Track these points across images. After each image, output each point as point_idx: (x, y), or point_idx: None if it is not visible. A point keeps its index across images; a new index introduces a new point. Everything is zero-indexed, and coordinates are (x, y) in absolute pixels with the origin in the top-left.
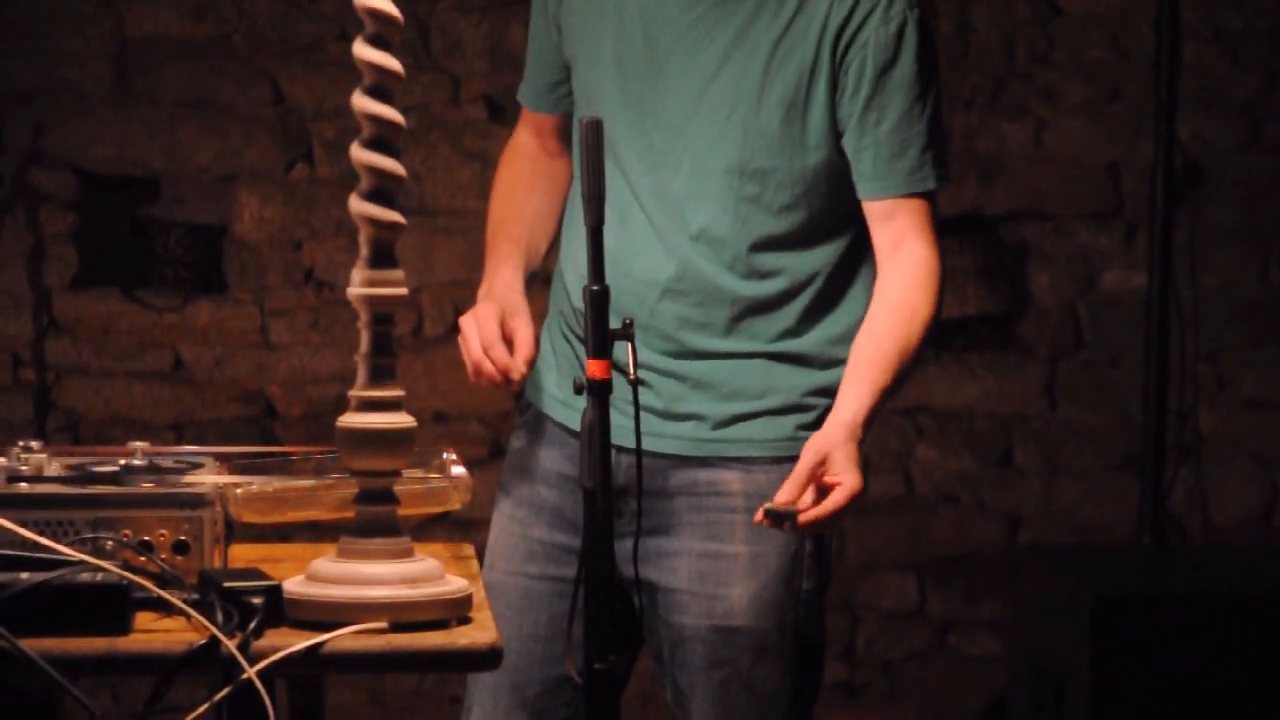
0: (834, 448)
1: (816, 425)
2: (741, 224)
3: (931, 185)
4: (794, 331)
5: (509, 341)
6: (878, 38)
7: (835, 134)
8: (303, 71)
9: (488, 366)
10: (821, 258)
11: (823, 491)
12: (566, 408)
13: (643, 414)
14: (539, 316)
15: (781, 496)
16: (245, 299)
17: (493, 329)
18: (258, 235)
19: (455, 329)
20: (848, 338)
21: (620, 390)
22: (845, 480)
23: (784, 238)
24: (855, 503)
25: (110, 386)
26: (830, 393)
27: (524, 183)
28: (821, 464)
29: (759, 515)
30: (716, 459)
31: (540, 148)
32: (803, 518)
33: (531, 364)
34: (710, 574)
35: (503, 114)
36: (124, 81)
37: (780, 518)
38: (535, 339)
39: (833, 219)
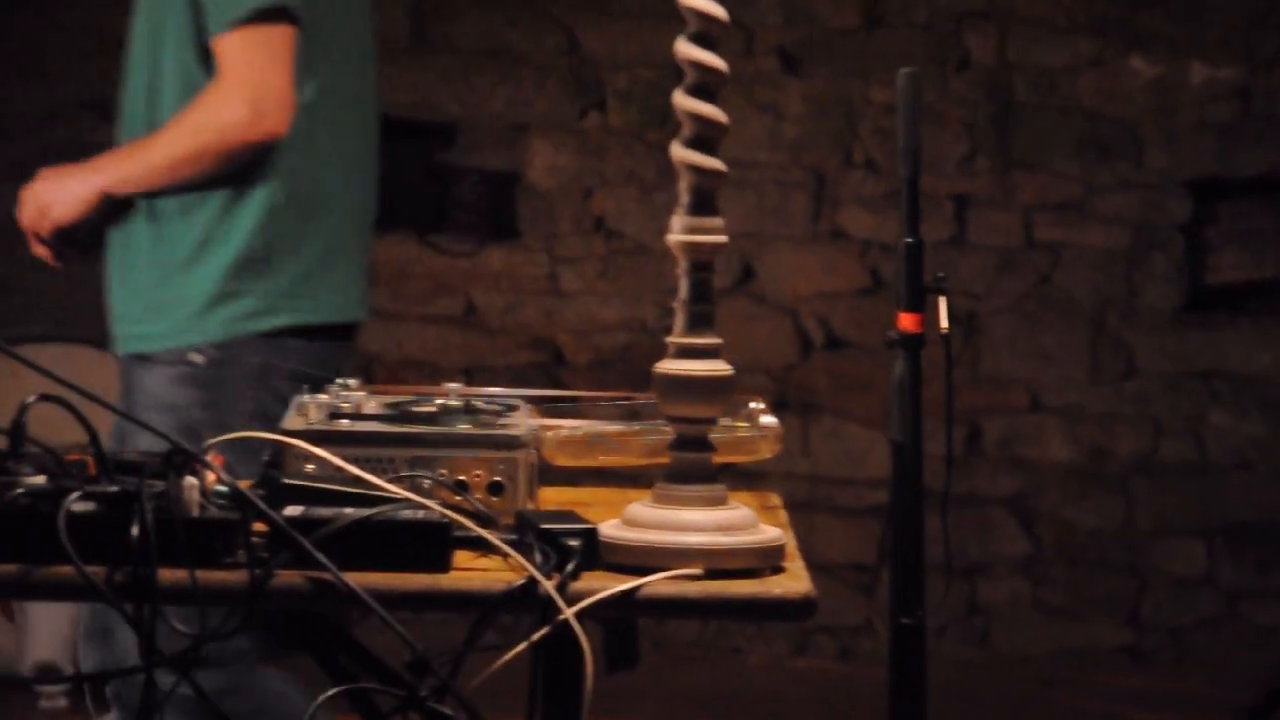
0: None
1: None
2: None
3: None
4: None
5: None
6: None
7: None
8: (597, 21)
9: None
10: None
11: None
12: None
13: None
14: None
15: None
16: (536, 246)
17: None
18: (549, 183)
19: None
20: None
21: None
22: None
23: None
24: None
25: (404, 330)
26: None
27: None
28: None
29: None
30: None
31: None
32: None
33: None
34: None
35: (796, 66)
36: (422, 29)
37: None
38: None
39: None
